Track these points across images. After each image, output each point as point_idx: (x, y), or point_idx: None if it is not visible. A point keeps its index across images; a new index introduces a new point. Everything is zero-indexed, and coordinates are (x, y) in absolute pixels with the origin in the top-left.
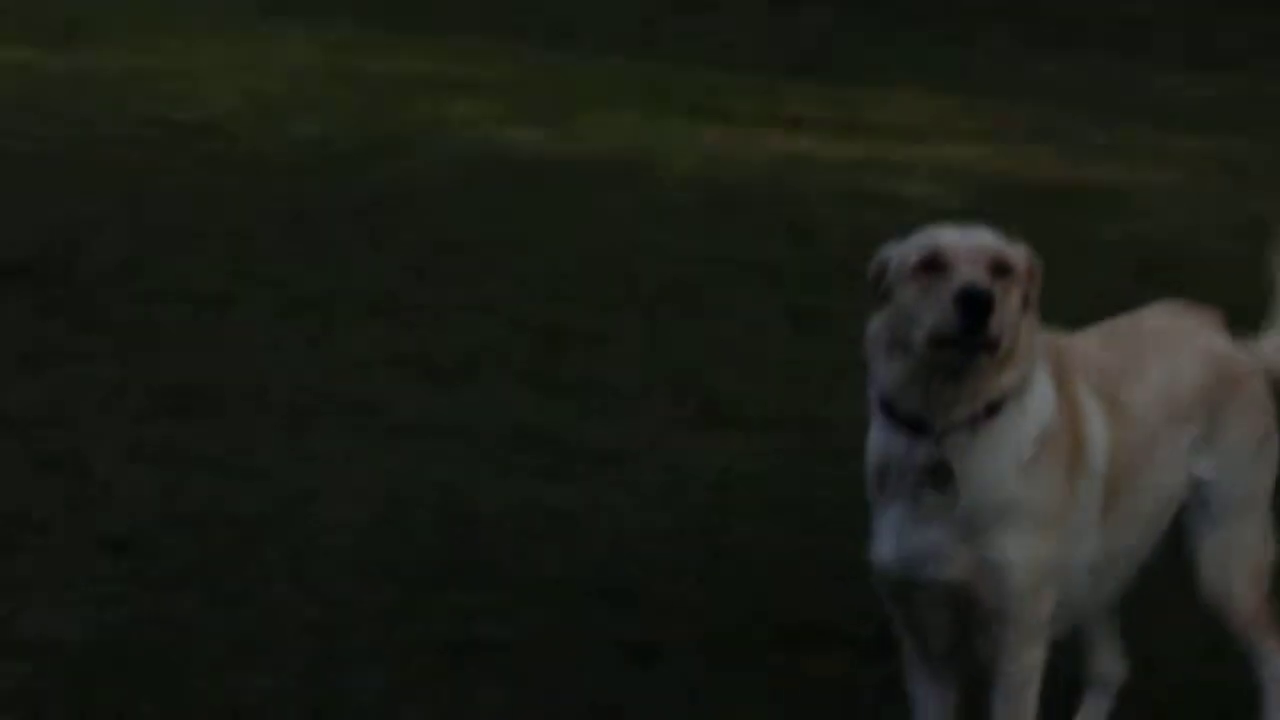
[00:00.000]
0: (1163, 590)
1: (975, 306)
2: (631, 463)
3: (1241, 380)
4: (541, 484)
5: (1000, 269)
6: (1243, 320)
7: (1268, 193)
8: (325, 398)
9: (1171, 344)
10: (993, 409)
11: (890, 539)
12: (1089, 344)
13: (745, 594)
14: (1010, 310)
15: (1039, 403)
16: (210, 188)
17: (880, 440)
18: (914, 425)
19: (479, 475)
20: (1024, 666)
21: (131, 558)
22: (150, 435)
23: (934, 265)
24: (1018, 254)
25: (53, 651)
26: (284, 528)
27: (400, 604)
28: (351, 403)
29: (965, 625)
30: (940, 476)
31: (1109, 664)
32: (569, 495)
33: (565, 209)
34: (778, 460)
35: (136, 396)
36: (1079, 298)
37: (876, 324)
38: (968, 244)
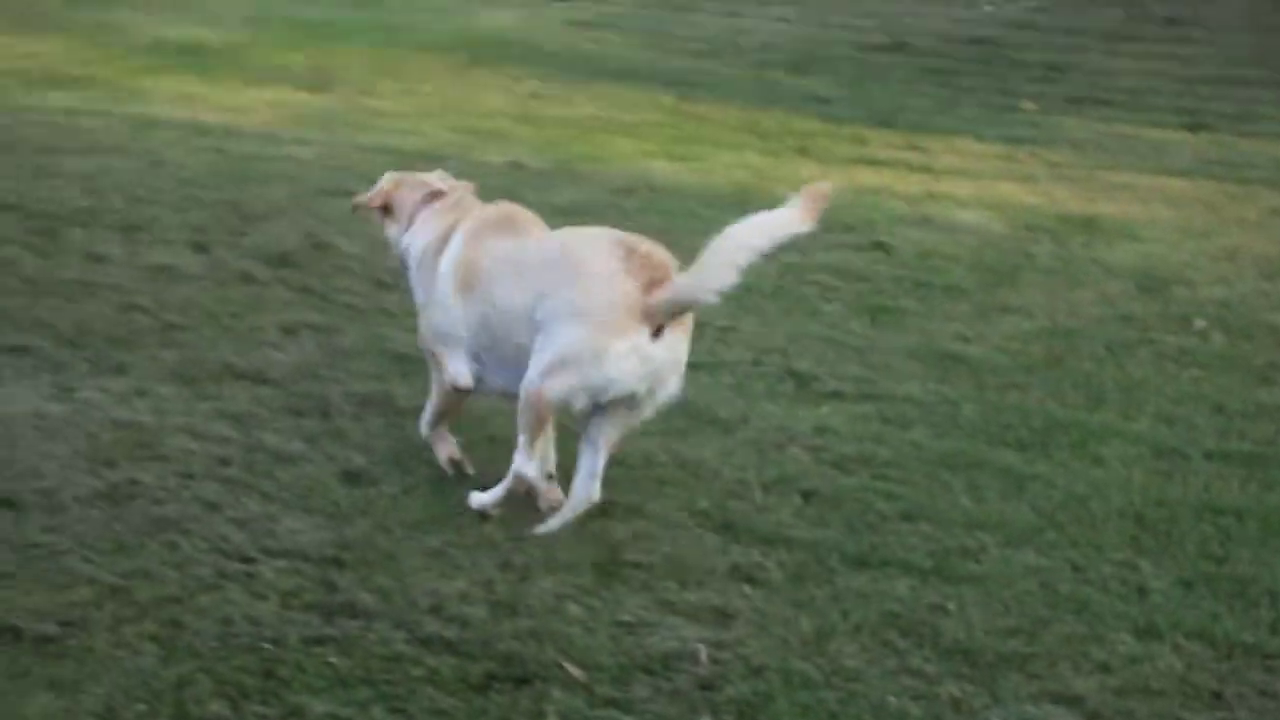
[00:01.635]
0: None
1: None
2: (741, 426)
3: (580, 273)
4: (675, 440)
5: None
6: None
7: (1239, 228)
8: None
9: (547, 240)
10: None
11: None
12: (493, 215)
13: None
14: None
15: (418, 243)
16: None
17: None
18: None
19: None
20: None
21: (363, 484)
22: (376, 390)
23: None
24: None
25: (301, 554)
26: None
27: None
28: None
29: None
30: None
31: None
32: (699, 449)
33: (695, 225)
34: (855, 423)
35: (368, 359)
36: (1089, 307)
37: None
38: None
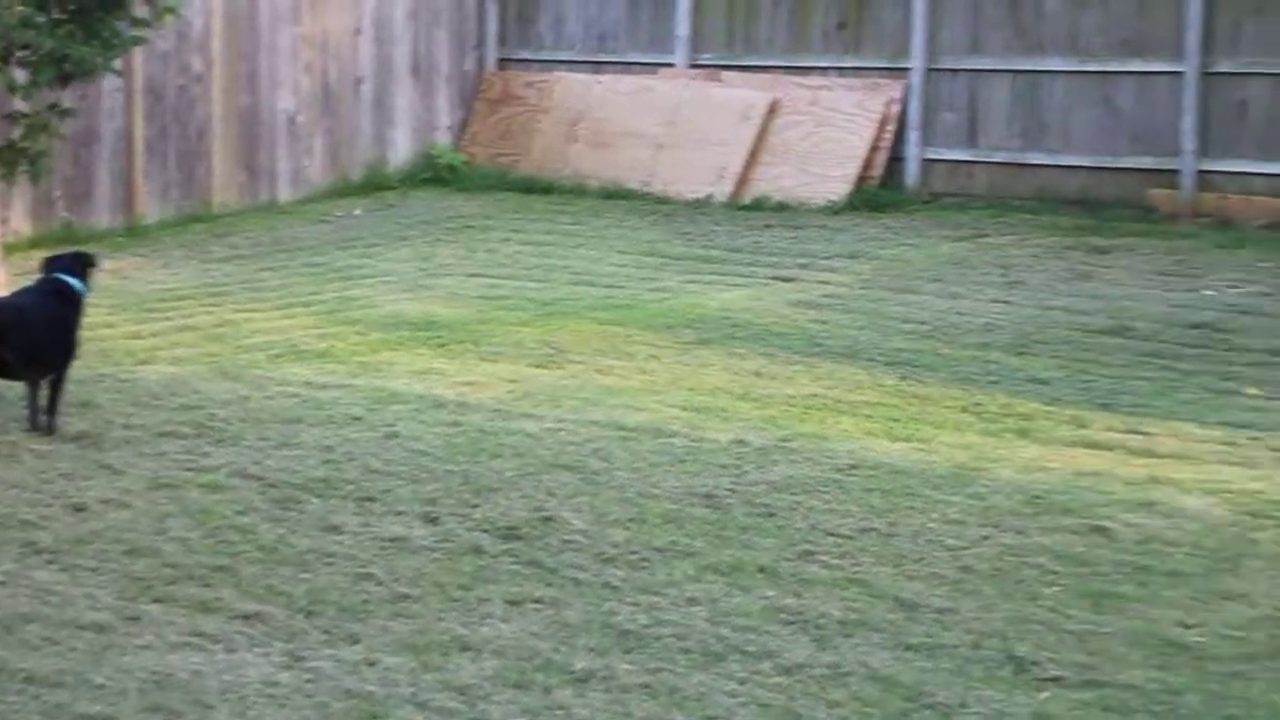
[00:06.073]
0: None
1: None
2: (959, 710)
3: None
4: None
5: None
6: None
7: None
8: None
9: None
10: None
11: None
12: None
13: None
14: None
15: None
16: (663, 484)
17: None
18: None
19: None
20: None
21: None
22: (598, 665)
23: None
24: None
25: None
26: None
27: None
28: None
29: None
30: None
31: None
32: None
33: (915, 504)
34: (1075, 710)
35: (591, 634)
36: None
37: None
38: None
